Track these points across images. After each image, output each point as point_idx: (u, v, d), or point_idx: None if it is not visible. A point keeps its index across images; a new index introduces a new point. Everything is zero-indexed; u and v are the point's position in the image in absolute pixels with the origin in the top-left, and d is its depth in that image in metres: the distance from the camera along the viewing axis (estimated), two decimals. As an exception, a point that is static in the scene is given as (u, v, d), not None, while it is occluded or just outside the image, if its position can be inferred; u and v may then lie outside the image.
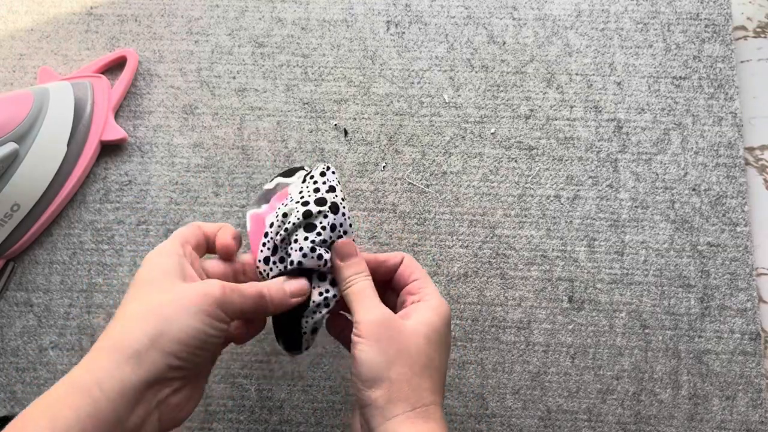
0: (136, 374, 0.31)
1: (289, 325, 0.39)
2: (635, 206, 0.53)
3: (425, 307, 0.37)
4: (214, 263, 0.40)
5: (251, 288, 0.36)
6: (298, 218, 0.38)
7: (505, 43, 0.57)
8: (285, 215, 0.38)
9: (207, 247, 0.40)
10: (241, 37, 0.57)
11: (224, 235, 0.40)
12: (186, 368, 0.33)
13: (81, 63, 0.57)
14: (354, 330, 0.36)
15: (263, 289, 0.36)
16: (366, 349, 0.35)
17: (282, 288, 0.37)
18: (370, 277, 0.38)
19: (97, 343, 0.33)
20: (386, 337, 0.35)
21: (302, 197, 0.39)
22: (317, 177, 0.40)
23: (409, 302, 0.38)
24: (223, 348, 0.40)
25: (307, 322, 0.39)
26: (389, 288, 0.41)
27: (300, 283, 0.38)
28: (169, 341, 0.32)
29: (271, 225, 0.39)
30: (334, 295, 0.39)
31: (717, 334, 0.51)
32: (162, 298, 0.33)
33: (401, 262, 0.40)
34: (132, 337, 0.32)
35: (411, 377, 0.34)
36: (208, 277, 0.39)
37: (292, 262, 0.38)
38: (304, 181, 0.41)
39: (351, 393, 0.36)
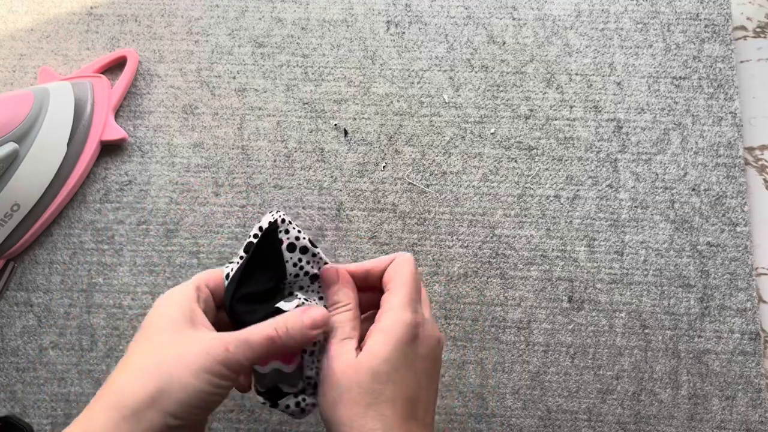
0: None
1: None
2: (635, 206, 0.53)
3: (376, 332, 0.34)
4: None
5: (258, 334, 0.33)
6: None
7: (505, 43, 0.57)
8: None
9: None
10: (241, 37, 0.57)
11: None
12: (185, 427, 0.32)
13: (81, 63, 0.57)
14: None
15: (271, 332, 0.33)
16: (318, 393, 0.34)
17: (300, 320, 0.34)
18: (345, 308, 0.36)
19: (98, 394, 0.32)
20: (329, 379, 0.34)
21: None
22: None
23: (375, 322, 0.36)
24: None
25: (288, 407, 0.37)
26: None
27: (320, 312, 0.34)
28: (169, 401, 0.31)
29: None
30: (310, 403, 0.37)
31: (717, 334, 0.51)
32: (166, 353, 0.32)
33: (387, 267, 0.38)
34: (132, 395, 0.31)
35: (352, 419, 0.32)
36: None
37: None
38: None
39: None
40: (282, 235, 0.37)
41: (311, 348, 0.36)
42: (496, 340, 0.51)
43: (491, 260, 0.52)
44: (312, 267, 0.38)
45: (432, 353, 0.36)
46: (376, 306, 0.37)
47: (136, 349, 0.33)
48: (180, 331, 0.33)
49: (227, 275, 0.37)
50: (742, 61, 0.57)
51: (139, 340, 0.33)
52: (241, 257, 0.37)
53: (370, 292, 0.38)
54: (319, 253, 0.38)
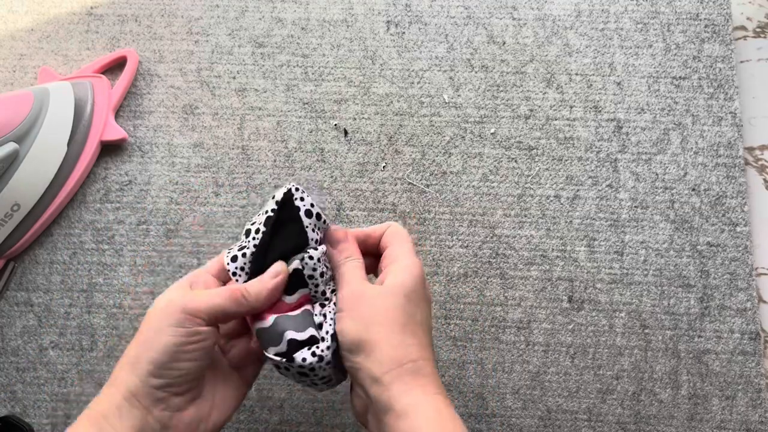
0: (130, 403, 0.33)
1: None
2: (635, 206, 0.53)
3: (396, 268, 0.37)
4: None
5: (223, 289, 0.36)
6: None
7: (505, 43, 0.57)
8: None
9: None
10: (241, 37, 0.57)
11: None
12: (177, 383, 0.34)
13: (81, 63, 0.57)
14: (337, 308, 0.37)
15: (235, 289, 0.36)
16: (344, 319, 0.35)
17: (259, 279, 0.37)
18: (356, 259, 0.39)
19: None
20: (360, 304, 0.35)
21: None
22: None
23: (383, 270, 0.39)
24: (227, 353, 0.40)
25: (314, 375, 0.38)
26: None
27: (276, 266, 0.37)
28: (145, 362, 0.33)
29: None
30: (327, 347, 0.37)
31: (717, 334, 0.51)
32: (145, 324, 0.34)
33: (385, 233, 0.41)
34: (119, 367, 0.34)
35: (390, 335, 0.34)
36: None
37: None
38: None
39: (349, 372, 0.37)
40: (298, 202, 0.38)
41: (317, 302, 0.39)
42: (496, 340, 0.51)
43: (491, 260, 0.52)
44: (320, 233, 0.40)
45: (430, 301, 0.39)
46: (372, 271, 0.41)
47: None
48: (164, 307, 0.35)
49: (234, 257, 0.38)
50: (742, 61, 0.57)
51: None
52: (257, 230, 0.38)
53: (367, 257, 0.40)
54: (326, 220, 0.40)
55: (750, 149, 0.55)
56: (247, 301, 0.36)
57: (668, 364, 0.50)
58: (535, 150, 0.55)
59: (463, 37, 0.57)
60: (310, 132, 0.55)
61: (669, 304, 0.52)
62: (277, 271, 0.37)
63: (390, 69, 0.56)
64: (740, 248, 0.52)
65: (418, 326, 0.35)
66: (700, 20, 0.57)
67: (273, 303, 0.37)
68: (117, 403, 0.33)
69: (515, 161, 0.54)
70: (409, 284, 0.36)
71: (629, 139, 0.55)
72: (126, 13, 0.58)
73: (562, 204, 0.53)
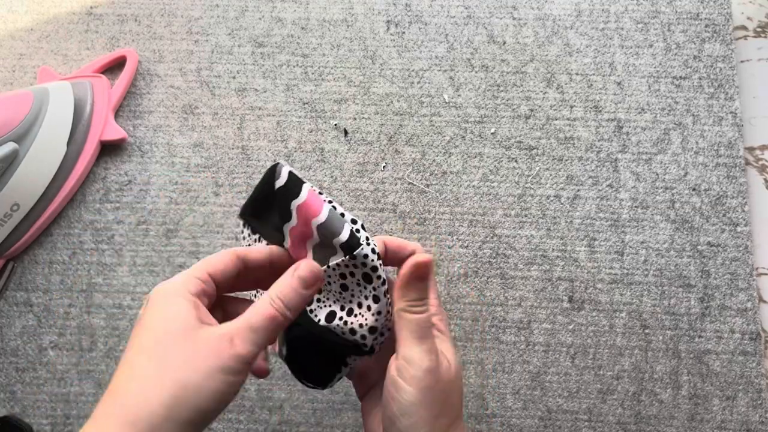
0: None
1: (329, 365, 0.36)
2: (635, 206, 0.53)
3: (449, 343, 0.35)
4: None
5: (259, 317, 0.31)
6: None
7: (505, 42, 0.57)
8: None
9: (246, 276, 0.35)
10: (241, 37, 0.57)
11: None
12: (199, 430, 0.30)
13: (81, 63, 0.57)
14: (397, 369, 0.33)
15: (271, 311, 0.32)
16: (412, 399, 0.32)
17: (290, 286, 0.32)
18: (431, 309, 0.35)
19: (103, 406, 0.29)
20: (436, 390, 0.33)
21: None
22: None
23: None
24: None
25: (354, 360, 0.36)
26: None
27: (309, 266, 0.33)
28: (186, 409, 0.29)
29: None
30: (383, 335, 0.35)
31: (717, 334, 0.51)
32: (175, 358, 0.30)
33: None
34: (146, 407, 0.28)
35: (448, 427, 0.33)
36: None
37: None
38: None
39: (384, 423, 0.34)
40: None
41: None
42: (496, 340, 0.51)
43: (491, 260, 0.52)
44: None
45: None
46: None
47: (139, 352, 0.30)
48: (186, 333, 0.30)
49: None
50: (742, 61, 0.57)
51: (143, 345, 0.31)
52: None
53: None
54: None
55: (750, 149, 0.55)
56: (284, 325, 0.32)
57: (669, 365, 0.50)
58: (535, 150, 0.55)
59: (464, 36, 0.57)
60: (310, 132, 0.55)
61: (669, 304, 0.52)
62: (313, 278, 0.33)
63: (390, 69, 0.56)
64: (741, 248, 0.52)
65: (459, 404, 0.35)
66: (701, 20, 0.57)
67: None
68: None
69: (515, 161, 0.54)
70: (459, 362, 0.35)
71: (629, 139, 0.55)
72: (126, 13, 0.58)
73: (562, 204, 0.53)
